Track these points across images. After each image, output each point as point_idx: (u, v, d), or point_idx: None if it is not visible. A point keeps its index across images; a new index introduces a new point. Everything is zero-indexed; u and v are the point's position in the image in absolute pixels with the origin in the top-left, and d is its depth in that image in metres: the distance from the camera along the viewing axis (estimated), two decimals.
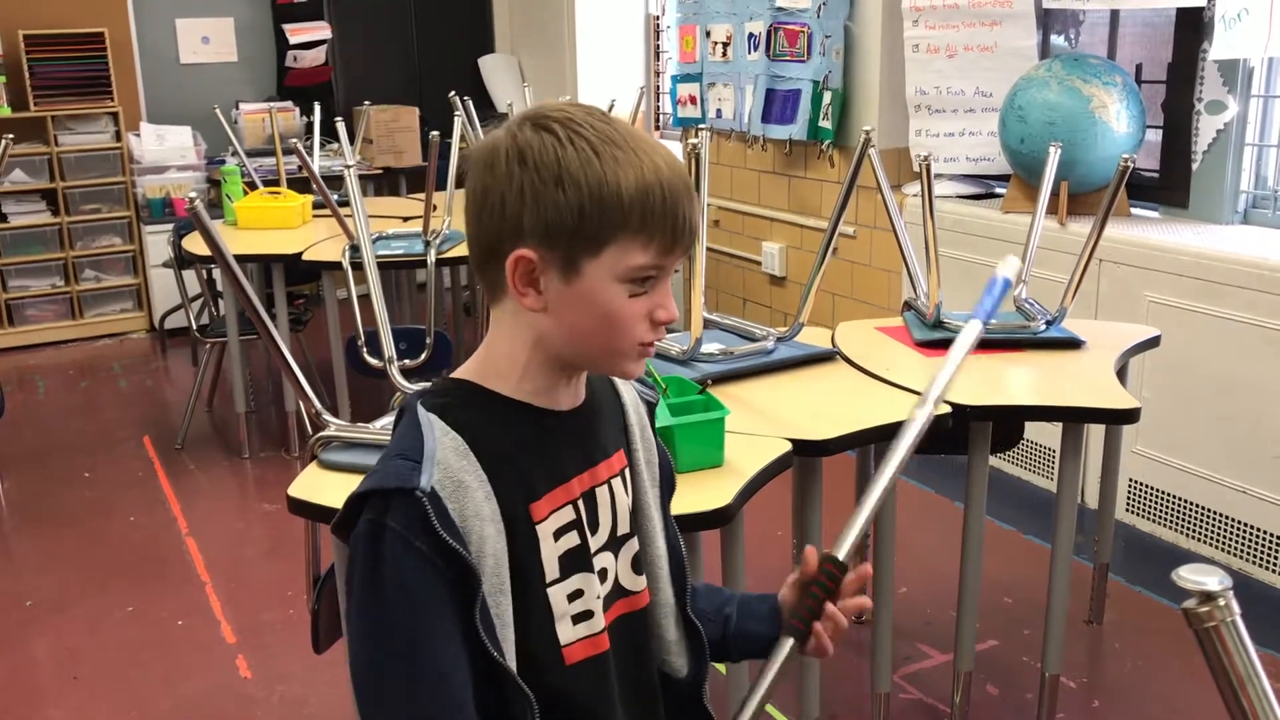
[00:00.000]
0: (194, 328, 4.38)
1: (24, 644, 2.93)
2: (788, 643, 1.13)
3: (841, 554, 1.13)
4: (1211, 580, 0.78)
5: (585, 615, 1.09)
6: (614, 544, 1.14)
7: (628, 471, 1.16)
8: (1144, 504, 3.31)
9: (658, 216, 0.99)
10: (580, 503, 1.09)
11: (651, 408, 1.25)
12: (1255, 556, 3.02)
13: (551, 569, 1.06)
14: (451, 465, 1.01)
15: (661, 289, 1.04)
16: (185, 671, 2.77)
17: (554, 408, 1.08)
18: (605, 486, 1.12)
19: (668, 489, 1.24)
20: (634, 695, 1.16)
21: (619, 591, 1.14)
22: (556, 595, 1.07)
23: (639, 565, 1.17)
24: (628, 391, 1.21)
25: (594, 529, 1.11)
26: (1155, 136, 3.48)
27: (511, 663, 1.03)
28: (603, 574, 1.12)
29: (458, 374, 1.09)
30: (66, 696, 2.70)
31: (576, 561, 1.08)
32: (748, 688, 1.13)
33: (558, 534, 1.07)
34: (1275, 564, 2.98)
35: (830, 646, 1.14)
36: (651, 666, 1.20)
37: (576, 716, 1.09)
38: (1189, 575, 0.79)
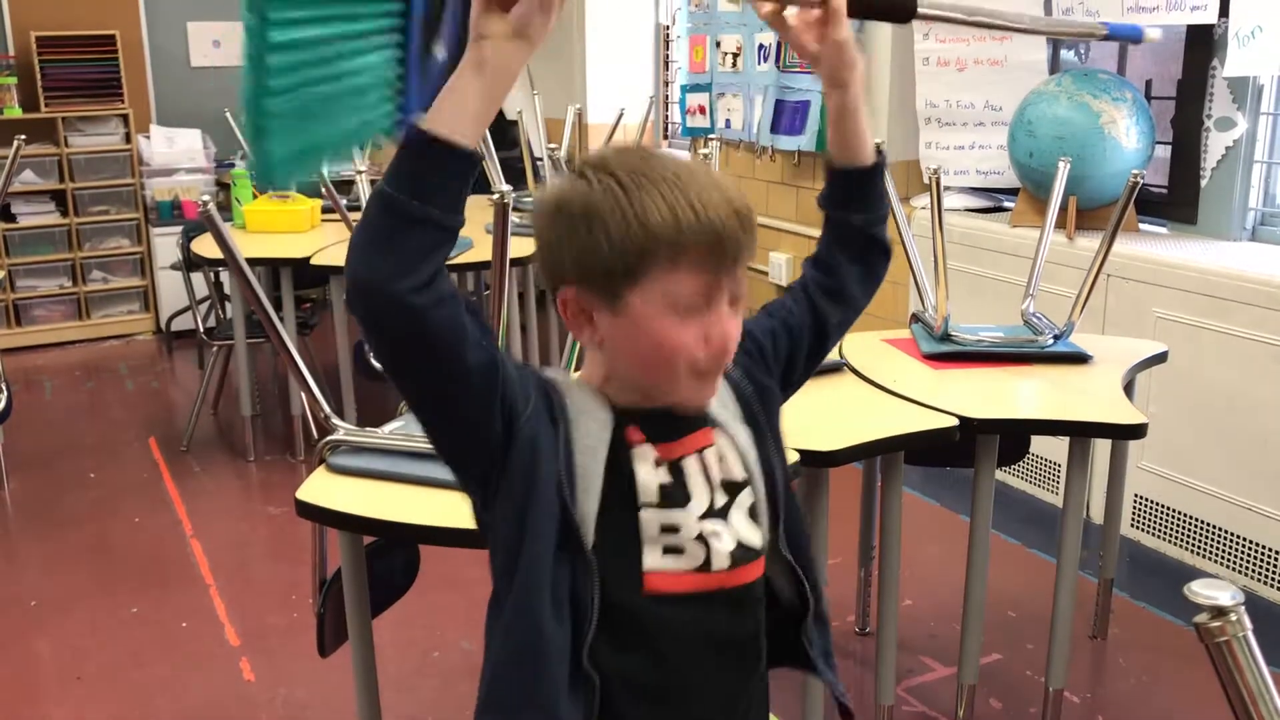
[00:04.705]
0: (201, 330, 4.39)
1: (27, 644, 2.93)
2: None
3: None
4: (1224, 595, 0.78)
5: (676, 550, 1.11)
6: (725, 506, 1.15)
7: (720, 442, 1.18)
8: (1149, 520, 3.30)
9: (689, 243, 1.04)
10: (673, 464, 1.13)
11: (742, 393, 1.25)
12: (1261, 574, 3.01)
13: (647, 494, 1.10)
14: (576, 395, 1.12)
15: (715, 312, 1.08)
16: (188, 674, 2.77)
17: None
18: (695, 457, 1.14)
19: (764, 411, 1.22)
20: (731, 657, 1.17)
21: (745, 551, 1.15)
22: (649, 519, 1.10)
23: (756, 515, 1.18)
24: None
25: (688, 498, 1.13)
26: (1164, 152, 3.48)
27: (587, 536, 1.08)
28: (717, 535, 1.13)
29: None
30: (69, 697, 2.70)
31: (672, 498, 1.12)
32: None
33: (655, 465, 1.11)
34: None
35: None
36: (760, 632, 1.20)
37: (645, 646, 1.11)
38: (1201, 590, 0.79)
